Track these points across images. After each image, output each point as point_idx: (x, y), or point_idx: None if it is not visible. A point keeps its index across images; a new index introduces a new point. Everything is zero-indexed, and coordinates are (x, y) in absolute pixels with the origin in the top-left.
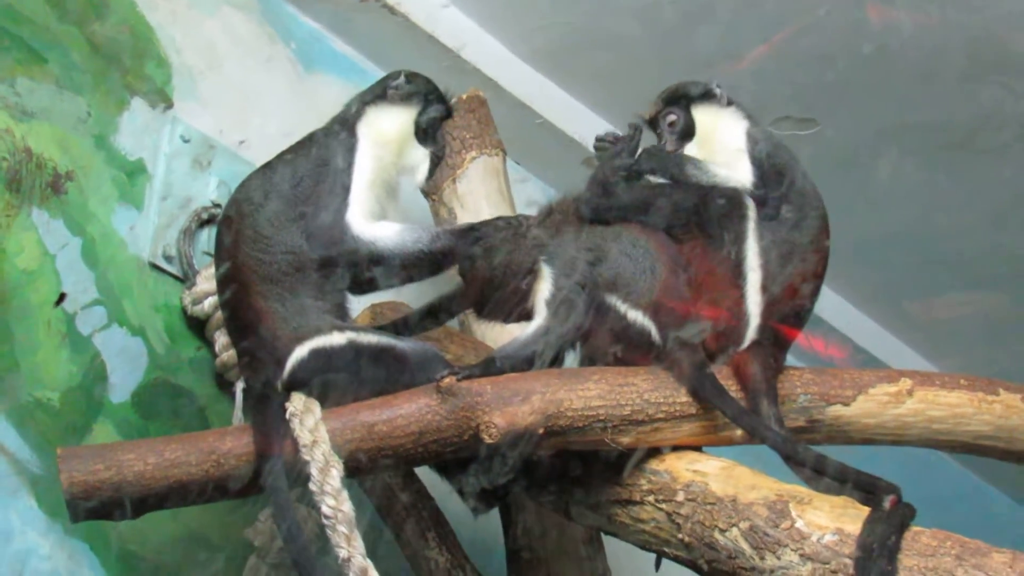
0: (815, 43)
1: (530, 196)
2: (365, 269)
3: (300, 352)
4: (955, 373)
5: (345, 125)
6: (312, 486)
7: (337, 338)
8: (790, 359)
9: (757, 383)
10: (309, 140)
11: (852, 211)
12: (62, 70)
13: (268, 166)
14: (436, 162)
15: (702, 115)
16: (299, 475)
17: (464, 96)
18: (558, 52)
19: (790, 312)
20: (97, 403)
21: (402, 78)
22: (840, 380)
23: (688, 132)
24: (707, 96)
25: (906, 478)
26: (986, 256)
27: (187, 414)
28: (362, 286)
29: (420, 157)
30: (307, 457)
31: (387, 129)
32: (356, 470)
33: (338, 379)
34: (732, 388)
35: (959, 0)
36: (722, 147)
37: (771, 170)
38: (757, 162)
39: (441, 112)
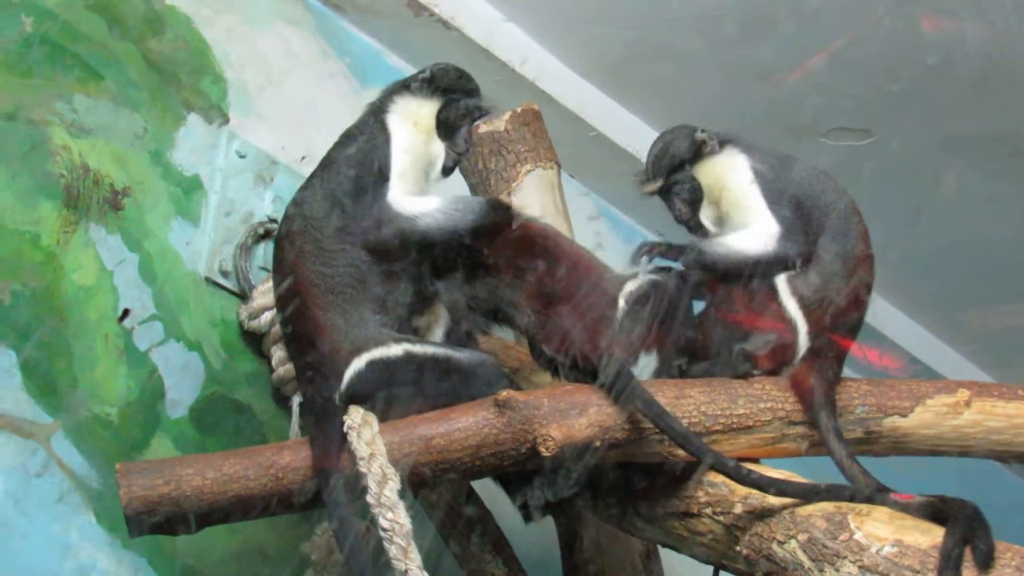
0: (876, 54)
1: (589, 211)
2: (415, 248)
3: (358, 364)
4: (1013, 384)
5: (376, 117)
6: (370, 499)
7: (395, 349)
8: (847, 372)
9: (816, 395)
10: (346, 138)
11: (910, 222)
12: (119, 87)
13: (316, 176)
14: (454, 159)
15: (702, 171)
16: (357, 488)
17: (519, 109)
18: (612, 65)
19: (841, 322)
20: (155, 418)
21: (428, 71)
22: (897, 391)
23: (696, 194)
24: (699, 151)
25: (962, 489)
26: None
27: (245, 429)
28: (422, 272)
29: (437, 151)
30: (364, 470)
31: (411, 121)
32: (414, 483)
33: (396, 391)
34: (791, 401)
35: (1021, 9)
36: (735, 196)
37: (789, 199)
38: (773, 197)
39: (465, 109)
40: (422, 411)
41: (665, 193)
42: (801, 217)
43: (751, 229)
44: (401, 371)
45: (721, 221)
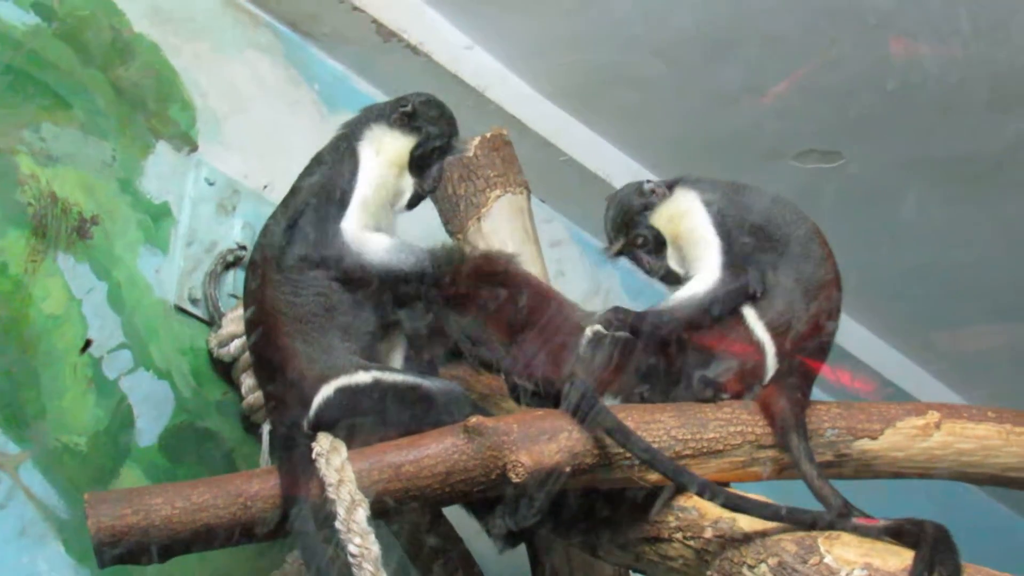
0: (839, 78)
1: (555, 236)
2: (353, 280)
3: (326, 391)
4: (983, 405)
5: (348, 143)
6: (338, 525)
7: (362, 377)
8: (817, 394)
9: (786, 418)
10: (315, 163)
11: (878, 244)
12: (87, 115)
13: (283, 203)
14: (418, 198)
15: (657, 218)
16: (326, 516)
17: (488, 135)
18: (581, 90)
19: (808, 344)
20: (124, 447)
21: (409, 105)
22: (867, 414)
23: (658, 242)
24: (649, 200)
25: (934, 510)
26: (1012, 287)
27: (214, 457)
28: (384, 300)
29: (405, 185)
30: (333, 496)
31: (383, 153)
32: (383, 511)
33: (364, 419)
34: (761, 424)
35: (982, 33)
36: (689, 234)
37: (747, 227)
38: (728, 226)
39: (440, 147)
40: (390, 438)
41: (629, 251)
42: (760, 243)
43: (700, 276)
44: (370, 398)
45: (684, 261)
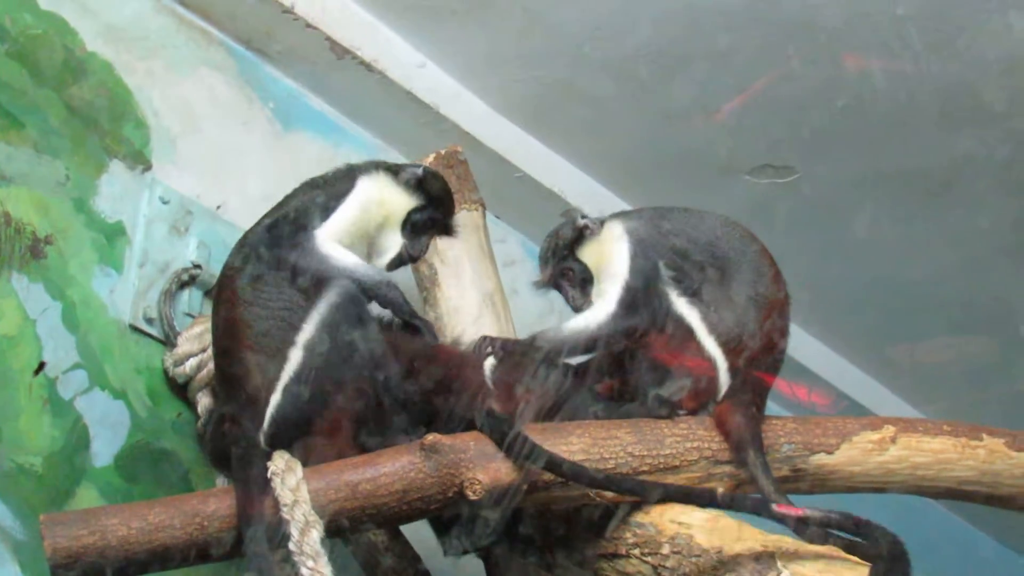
0: (789, 95)
1: (510, 255)
2: (311, 283)
3: (275, 398)
4: (938, 419)
5: (349, 173)
6: (292, 547)
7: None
8: (774, 408)
9: (742, 432)
10: (309, 184)
11: (832, 259)
12: (40, 134)
13: (268, 214)
14: (402, 261)
15: (586, 254)
16: (280, 536)
17: (443, 152)
18: (535, 106)
19: (762, 359)
20: (80, 468)
21: (421, 171)
22: (823, 428)
23: (585, 276)
24: (581, 235)
25: (892, 523)
26: (966, 301)
27: (171, 477)
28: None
29: (392, 245)
30: (287, 517)
31: (382, 197)
32: (340, 530)
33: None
34: (717, 440)
35: (932, 50)
36: (608, 271)
37: (674, 255)
38: (652, 255)
39: (436, 221)
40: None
41: (557, 282)
42: (693, 265)
43: (595, 308)
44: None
45: (597, 292)
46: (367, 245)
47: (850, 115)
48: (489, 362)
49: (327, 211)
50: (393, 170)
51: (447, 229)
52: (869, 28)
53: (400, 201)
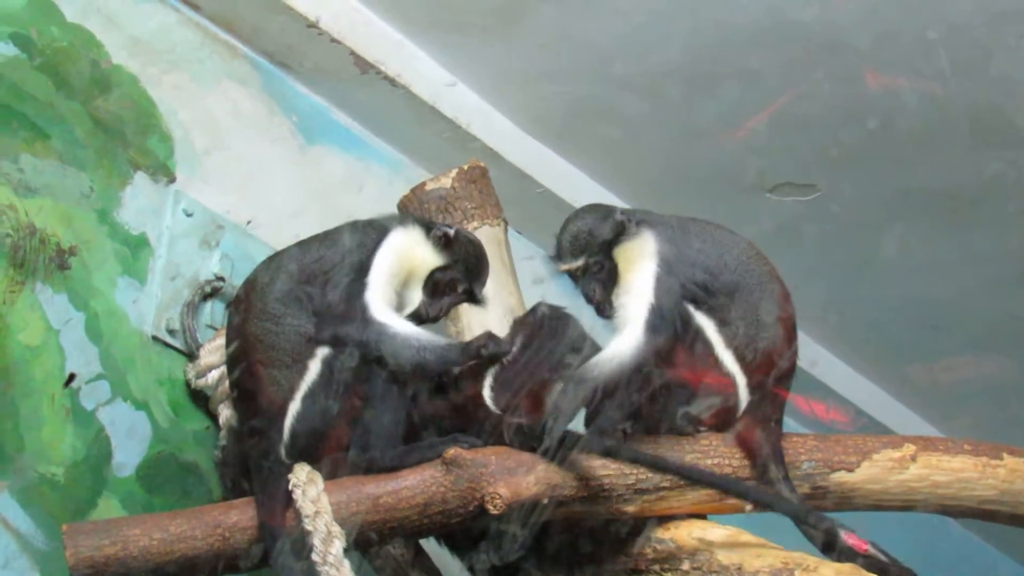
0: (817, 113)
1: (537, 273)
2: (372, 351)
3: (294, 409)
4: (958, 438)
5: (378, 226)
6: (315, 557)
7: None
8: (792, 426)
9: (763, 448)
10: (336, 230)
11: (854, 278)
12: (65, 146)
13: (299, 244)
14: (419, 319)
15: (619, 253)
16: (303, 547)
17: (465, 167)
18: (559, 123)
19: (778, 375)
20: (102, 478)
21: (453, 230)
22: (844, 446)
23: (612, 276)
24: (619, 233)
25: (911, 541)
26: (988, 321)
27: (192, 488)
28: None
29: (411, 299)
30: (310, 528)
31: (410, 251)
32: (361, 542)
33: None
34: (738, 457)
35: (961, 72)
36: (632, 284)
37: (698, 272)
38: (667, 284)
39: (460, 284)
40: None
41: (581, 273)
42: (714, 283)
43: (624, 336)
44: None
45: (619, 299)
46: (396, 295)
47: (877, 135)
48: (488, 381)
49: (365, 268)
50: (424, 224)
51: (472, 296)
52: (898, 49)
53: (426, 256)
